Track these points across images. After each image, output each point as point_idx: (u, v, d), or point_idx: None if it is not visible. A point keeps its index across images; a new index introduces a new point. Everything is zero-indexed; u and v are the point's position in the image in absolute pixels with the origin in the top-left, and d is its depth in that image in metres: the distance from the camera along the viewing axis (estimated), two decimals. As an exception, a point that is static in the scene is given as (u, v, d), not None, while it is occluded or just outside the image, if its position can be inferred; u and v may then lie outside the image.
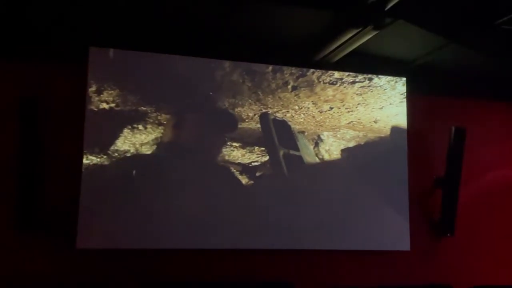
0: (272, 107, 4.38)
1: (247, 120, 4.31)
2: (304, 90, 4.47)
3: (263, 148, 4.32)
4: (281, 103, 4.42)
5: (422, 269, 4.68)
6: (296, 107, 4.45)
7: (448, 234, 4.70)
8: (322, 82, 4.53)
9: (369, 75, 4.65)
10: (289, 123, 4.40)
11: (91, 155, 3.93)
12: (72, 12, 3.52)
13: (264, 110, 4.35)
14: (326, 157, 4.45)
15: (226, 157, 4.23)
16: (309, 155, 4.40)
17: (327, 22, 3.71)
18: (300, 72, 4.47)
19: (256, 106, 4.35)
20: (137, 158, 4.05)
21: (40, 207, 3.84)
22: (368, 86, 4.66)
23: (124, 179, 4.00)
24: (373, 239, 4.46)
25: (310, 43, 4.11)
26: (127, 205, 3.97)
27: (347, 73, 4.59)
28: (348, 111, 4.56)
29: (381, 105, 4.66)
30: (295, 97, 4.45)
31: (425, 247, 4.74)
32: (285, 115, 4.40)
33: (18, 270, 3.81)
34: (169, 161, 4.11)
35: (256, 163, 4.28)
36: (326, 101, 4.53)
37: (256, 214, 4.20)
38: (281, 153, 4.34)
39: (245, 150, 4.28)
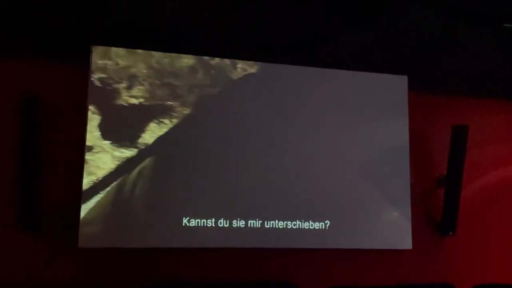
0: (279, 105, 4.39)
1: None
2: (304, 88, 4.46)
3: (267, 148, 4.32)
4: (285, 101, 4.42)
5: (424, 268, 4.68)
6: (297, 106, 4.44)
7: (450, 233, 4.69)
8: (322, 80, 4.53)
9: (370, 73, 4.63)
10: (292, 122, 4.40)
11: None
12: (74, 10, 3.51)
13: (273, 108, 4.37)
14: (327, 156, 4.43)
15: (226, 158, 4.22)
16: None
17: (327, 20, 3.69)
18: (300, 70, 4.46)
19: (267, 103, 4.36)
20: (142, 156, 4.04)
21: (42, 206, 3.85)
22: (370, 84, 4.64)
23: (127, 177, 3.99)
24: (375, 238, 4.45)
25: (310, 41, 4.10)
26: (129, 203, 3.96)
27: (348, 71, 4.57)
28: (349, 110, 4.55)
29: (382, 104, 4.64)
30: (295, 96, 4.45)
31: (427, 246, 4.74)
32: (287, 114, 4.40)
33: (20, 269, 3.81)
34: (173, 160, 4.10)
35: (260, 163, 4.28)
36: (327, 99, 4.53)
37: (258, 212, 4.20)
38: (284, 152, 4.35)
39: (246, 151, 4.27)
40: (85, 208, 3.84)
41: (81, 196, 3.84)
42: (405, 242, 4.52)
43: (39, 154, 3.87)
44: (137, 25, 3.80)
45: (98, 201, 3.88)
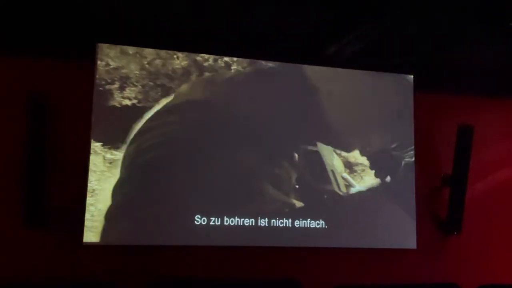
0: (282, 103, 4.39)
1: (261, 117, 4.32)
2: (309, 87, 4.46)
3: (270, 147, 4.32)
4: (289, 100, 4.42)
5: (428, 267, 4.66)
6: (301, 105, 4.44)
7: (455, 233, 4.68)
8: (328, 79, 4.52)
9: (376, 72, 4.62)
10: (296, 121, 4.40)
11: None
12: (80, 7, 3.53)
13: (275, 106, 4.37)
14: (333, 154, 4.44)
15: (234, 157, 4.23)
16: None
17: (333, 19, 3.70)
18: (305, 69, 4.46)
19: (268, 102, 4.36)
20: (146, 155, 4.05)
21: (47, 202, 3.86)
22: (376, 84, 4.63)
23: (132, 176, 4.01)
24: (379, 237, 4.45)
25: (316, 40, 4.10)
26: (134, 201, 3.98)
27: (353, 70, 4.57)
28: (355, 109, 4.54)
29: (388, 103, 4.64)
30: (299, 95, 4.45)
31: (432, 245, 4.72)
32: (292, 114, 4.40)
33: (26, 265, 3.82)
34: (176, 160, 4.11)
35: (265, 161, 4.28)
36: (332, 98, 4.52)
37: (262, 212, 4.20)
38: (289, 150, 4.35)
39: (254, 151, 4.28)
40: (90, 205, 3.86)
41: (86, 193, 3.87)
42: (410, 241, 4.51)
43: (45, 152, 3.88)
44: (142, 23, 3.81)
45: (103, 199, 3.91)
